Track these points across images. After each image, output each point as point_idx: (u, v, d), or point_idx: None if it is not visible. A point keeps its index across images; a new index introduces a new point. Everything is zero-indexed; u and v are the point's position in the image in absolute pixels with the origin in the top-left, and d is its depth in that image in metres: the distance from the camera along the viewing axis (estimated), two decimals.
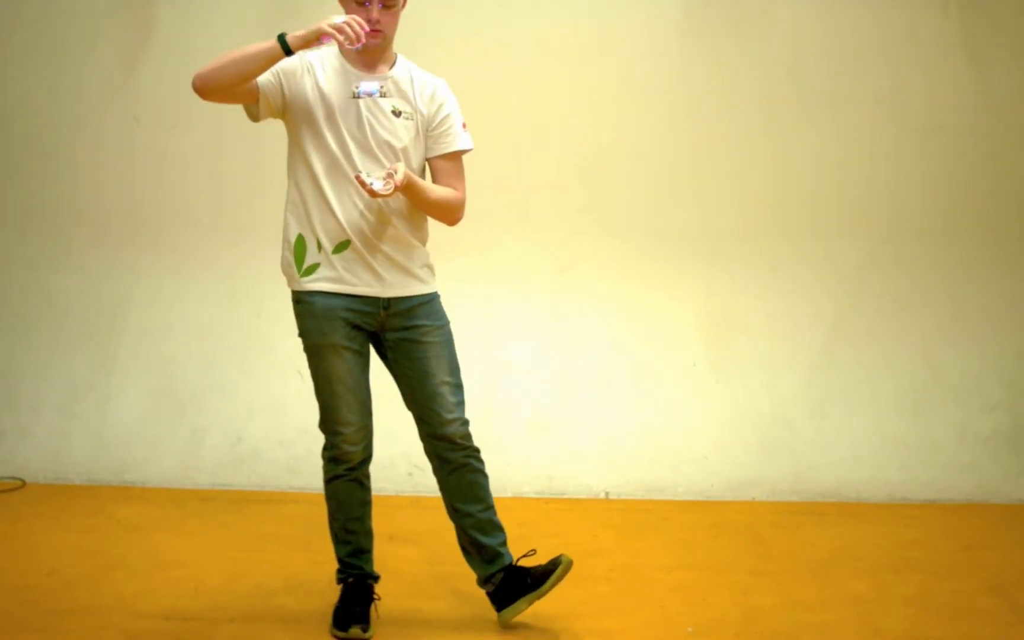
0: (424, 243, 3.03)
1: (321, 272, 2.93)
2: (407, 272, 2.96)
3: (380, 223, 2.90)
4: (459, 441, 3.02)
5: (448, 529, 3.80)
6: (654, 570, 3.57)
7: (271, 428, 4.48)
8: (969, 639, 3.11)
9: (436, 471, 3.08)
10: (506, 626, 3.05)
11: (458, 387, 3.03)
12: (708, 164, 4.66)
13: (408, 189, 2.83)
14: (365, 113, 2.89)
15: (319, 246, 2.93)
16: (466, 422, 3.03)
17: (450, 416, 2.99)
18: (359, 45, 2.72)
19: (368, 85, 2.88)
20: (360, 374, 3.00)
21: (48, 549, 3.59)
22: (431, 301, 3.01)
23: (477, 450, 3.07)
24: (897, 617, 3.22)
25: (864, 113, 4.64)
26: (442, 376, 2.99)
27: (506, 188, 4.60)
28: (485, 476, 3.08)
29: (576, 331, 4.63)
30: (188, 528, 3.86)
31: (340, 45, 2.77)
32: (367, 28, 2.73)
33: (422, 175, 2.99)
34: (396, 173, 2.75)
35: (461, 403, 3.03)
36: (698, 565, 3.62)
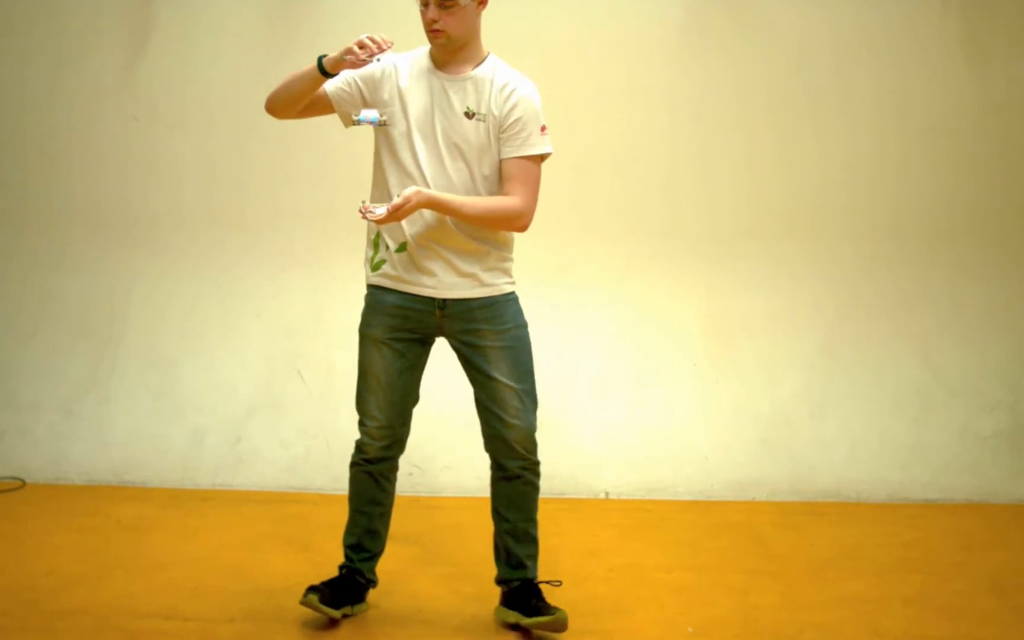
0: (499, 246, 2.98)
1: (384, 269, 3.00)
2: (466, 275, 2.94)
3: (439, 226, 2.91)
4: (518, 449, 3.01)
5: (448, 529, 3.82)
6: (654, 570, 3.57)
7: (271, 428, 4.48)
8: (969, 639, 3.11)
9: (492, 472, 3.09)
10: (497, 622, 3.08)
11: (524, 393, 2.99)
12: (708, 164, 4.66)
13: (432, 206, 2.82)
14: (437, 115, 2.89)
15: (387, 245, 2.99)
16: (529, 431, 3.01)
17: (511, 421, 2.99)
18: (375, 58, 2.74)
19: (368, 113, 2.86)
20: (397, 375, 3.02)
21: (48, 549, 3.59)
22: (493, 304, 2.97)
23: (536, 463, 3.06)
24: (897, 617, 3.22)
25: (867, 113, 4.64)
26: (503, 379, 2.97)
27: None
28: (536, 490, 3.09)
29: (576, 331, 4.63)
30: (188, 528, 3.86)
31: (349, 54, 2.77)
32: (386, 41, 2.75)
33: (498, 177, 2.94)
34: (400, 197, 2.77)
35: (526, 410, 3.00)
36: (698, 565, 3.62)
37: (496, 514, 3.10)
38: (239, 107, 4.61)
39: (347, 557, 3.16)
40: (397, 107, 2.93)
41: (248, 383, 4.55)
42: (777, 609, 3.27)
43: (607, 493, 4.40)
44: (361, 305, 4.52)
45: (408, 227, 2.92)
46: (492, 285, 2.97)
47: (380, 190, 2.99)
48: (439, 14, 2.83)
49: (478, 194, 2.92)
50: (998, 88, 4.64)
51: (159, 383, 4.54)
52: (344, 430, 4.44)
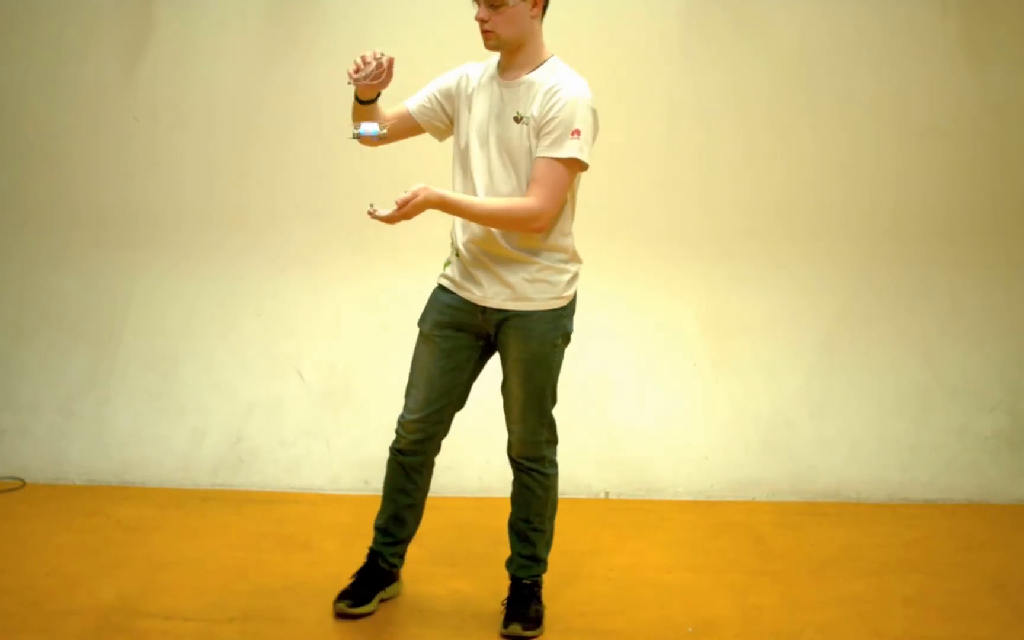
0: (548, 254, 2.96)
1: (448, 270, 3.09)
2: (506, 284, 2.95)
3: (484, 234, 2.94)
4: (513, 453, 3.11)
5: (447, 528, 3.81)
6: (654, 570, 3.57)
7: (271, 428, 4.48)
8: (969, 639, 3.11)
9: None
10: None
11: (526, 408, 3.04)
12: (708, 164, 4.65)
13: (439, 205, 2.82)
14: (492, 121, 2.92)
15: (453, 248, 3.07)
16: (525, 441, 3.08)
17: (512, 426, 3.09)
18: (361, 77, 2.78)
19: (367, 127, 2.84)
20: (440, 373, 3.06)
21: (48, 549, 3.59)
22: (527, 317, 2.96)
23: (538, 472, 3.12)
24: (897, 617, 3.22)
25: (866, 112, 4.64)
26: (512, 388, 3.04)
27: None
28: (535, 496, 3.13)
29: (576, 331, 4.61)
30: (188, 528, 3.86)
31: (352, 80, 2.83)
32: (379, 55, 2.79)
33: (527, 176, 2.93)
34: (414, 196, 2.77)
35: (526, 422, 3.05)
36: (698, 565, 3.62)
37: (511, 502, 3.19)
38: (239, 107, 4.61)
39: (374, 539, 3.24)
40: (464, 116, 2.98)
41: (248, 383, 4.55)
42: (777, 609, 3.27)
43: (607, 493, 4.40)
44: (361, 305, 4.57)
45: (460, 234, 2.99)
46: (530, 300, 2.96)
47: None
48: (488, 14, 2.82)
49: None
50: (998, 88, 4.64)
51: (159, 383, 4.54)
52: (344, 430, 4.46)
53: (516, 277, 2.95)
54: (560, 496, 4.30)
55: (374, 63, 2.80)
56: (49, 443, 4.43)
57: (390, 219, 2.79)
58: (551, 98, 2.85)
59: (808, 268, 4.67)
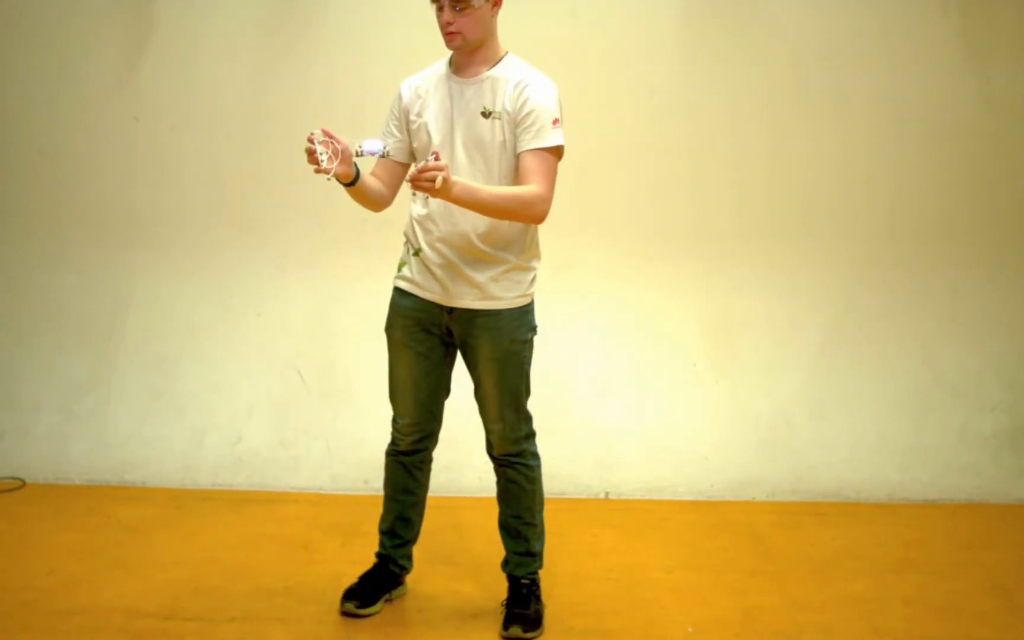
0: (518, 254, 2.98)
1: (404, 271, 3.08)
2: (473, 284, 2.96)
3: (452, 234, 2.93)
4: (494, 451, 3.11)
5: (447, 529, 3.82)
6: (654, 570, 3.57)
7: (271, 428, 4.48)
8: (969, 639, 3.11)
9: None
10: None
11: (503, 404, 3.04)
12: (708, 164, 4.66)
13: (458, 192, 2.74)
14: (456, 118, 2.93)
15: (408, 248, 3.07)
16: (506, 437, 3.07)
17: (489, 425, 3.09)
18: (326, 165, 2.75)
19: (370, 145, 2.87)
20: (422, 375, 3.08)
21: (48, 549, 3.59)
22: (496, 314, 2.98)
23: (522, 465, 3.11)
24: (897, 617, 3.22)
25: (863, 113, 4.64)
26: (487, 388, 3.03)
27: None
28: (523, 490, 3.12)
29: (576, 331, 4.63)
30: (188, 528, 3.86)
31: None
32: (312, 136, 2.73)
33: (514, 177, 2.94)
34: (436, 181, 2.63)
35: (505, 418, 3.05)
36: (698, 565, 3.62)
37: (498, 503, 3.19)
38: (241, 108, 4.62)
39: (381, 543, 3.25)
40: (422, 121, 2.98)
41: (248, 383, 4.55)
42: (777, 609, 3.27)
43: (607, 493, 4.41)
44: (360, 305, 4.57)
45: (422, 234, 2.98)
46: (497, 298, 2.98)
47: (412, 197, 3.05)
48: (453, 17, 2.85)
49: None
50: (997, 88, 4.64)
51: (159, 383, 4.54)
52: (344, 430, 4.46)
53: (483, 276, 2.96)
54: (560, 496, 4.32)
55: (319, 144, 2.74)
56: (49, 443, 4.43)
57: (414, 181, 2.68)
58: (523, 93, 2.91)
59: (808, 268, 4.67)
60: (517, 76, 2.93)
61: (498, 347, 3.00)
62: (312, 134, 2.75)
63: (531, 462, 3.13)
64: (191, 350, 4.57)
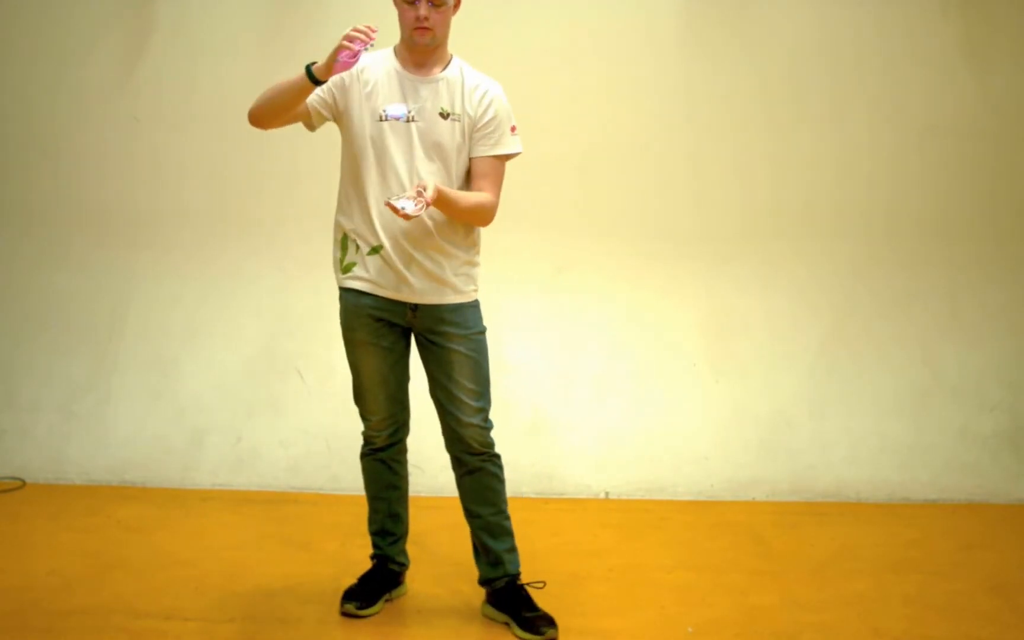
0: (467, 249, 3.02)
1: (356, 271, 3.03)
2: (438, 279, 2.97)
3: (414, 230, 2.92)
4: (475, 446, 3.07)
5: (446, 528, 3.82)
6: (654, 570, 3.57)
7: (271, 428, 4.48)
8: (969, 639, 3.11)
9: (454, 470, 3.14)
10: (485, 617, 3.15)
11: (480, 394, 3.04)
12: (708, 164, 4.66)
13: (439, 203, 2.82)
14: (413, 115, 2.92)
15: (356, 247, 3.02)
16: (485, 428, 3.06)
17: (468, 420, 3.04)
18: (368, 45, 2.71)
19: (395, 109, 2.90)
20: (388, 369, 3.07)
21: (48, 549, 3.59)
22: (461, 308, 3.01)
23: (495, 456, 3.11)
24: (897, 617, 3.22)
25: (863, 113, 4.64)
26: (464, 382, 3.02)
27: (505, 188, 4.57)
28: (500, 481, 3.12)
29: (576, 331, 4.63)
30: (188, 528, 3.86)
31: (343, 53, 2.72)
32: (372, 29, 2.73)
33: (467, 175, 2.99)
34: (426, 190, 2.74)
35: (481, 410, 3.05)
36: (698, 565, 3.62)
37: (468, 512, 3.14)
38: (241, 107, 4.55)
39: (375, 545, 3.25)
40: (367, 114, 2.94)
41: (248, 383, 4.55)
42: (777, 609, 3.27)
43: (607, 493, 4.40)
44: None
45: (382, 230, 2.94)
46: (461, 292, 3.01)
47: (354, 193, 3.00)
48: (429, 12, 2.86)
49: None
50: (996, 89, 4.64)
51: (159, 383, 4.54)
52: (344, 430, 4.44)
53: (445, 271, 2.97)
54: (560, 496, 4.33)
55: (363, 36, 2.72)
56: (49, 443, 4.43)
57: (409, 217, 2.73)
58: (484, 98, 2.96)
59: (808, 269, 4.67)
60: (473, 80, 2.97)
61: (469, 340, 3.02)
62: (367, 36, 2.69)
63: (498, 453, 3.13)
64: (191, 350, 4.57)
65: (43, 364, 4.56)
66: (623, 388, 4.60)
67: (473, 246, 3.06)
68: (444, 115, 2.93)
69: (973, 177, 4.67)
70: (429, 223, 2.92)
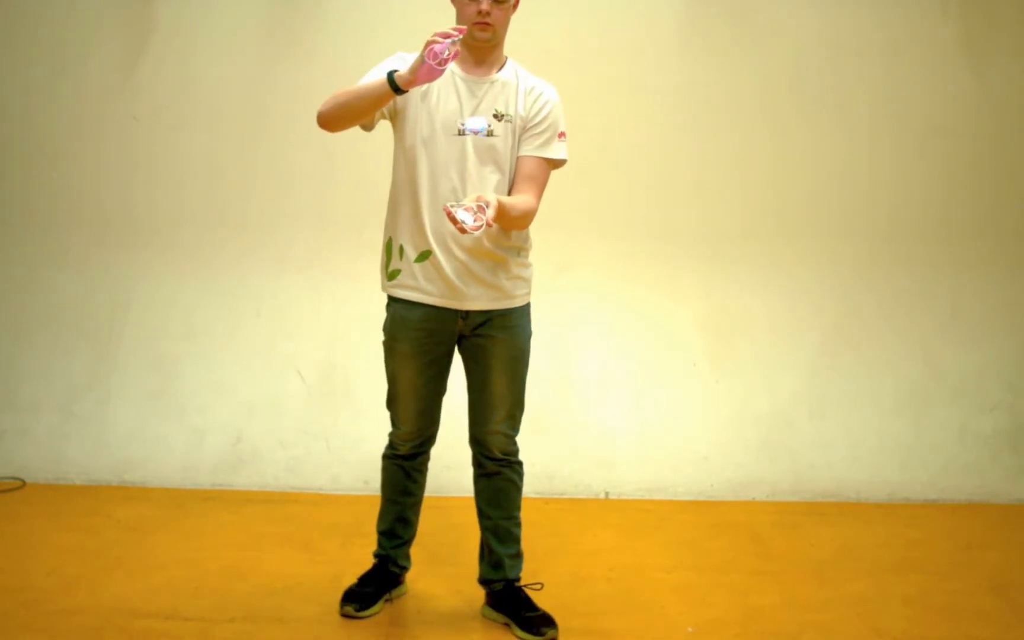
0: (518, 252, 2.97)
1: (402, 279, 2.95)
2: (490, 285, 2.92)
3: (466, 236, 2.81)
4: (496, 453, 3.06)
5: (447, 529, 3.82)
6: (654, 570, 3.57)
7: (271, 428, 4.48)
8: (969, 639, 3.11)
9: (473, 467, 3.14)
10: (484, 618, 3.15)
11: (513, 402, 3.03)
12: (709, 164, 4.66)
13: (499, 218, 2.72)
14: (468, 117, 2.86)
15: (401, 252, 2.94)
16: (509, 436, 3.05)
17: (495, 427, 3.03)
18: (459, 37, 2.64)
19: (475, 122, 2.85)
20: (424, 383, 3.02)
21: (48, 549, 3.59)
22: (511, 313, 2.97)
23: (517, 463, 3.10)
24: (897, 617, 3.22)
25: (864, 113, 4.64)
26: (499, 388, 3.00)
27: None
28: (517, 489, 3.12)
29: (576, 331, 4.63)
30: (188, 528, 3.86)
31: (430, 54, 2.63)
32: (461, 28, 2.69)
33: (513, 175, 2.92)
34: (488, 207, 2.63)
35: (511, 417, 3.03)
36: (698, 565, 3.62)
37: (480, 512, 3.14)
38: (240, 108, 4.62)
39: (380, 544, 3.23)
40: (421, 109, 2.87)
41: (248, 383, 4.55)
42: (777, 609, 3.27)
43: (607, 493, 4.40)
44: (360, 305, 4.56)
45: (432, 234, 2.88)
46: (512, 297, 2.97)
47: (405, 194, 2.91)
48: (491, 7, 2.82)
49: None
50: (997, 89, 4.64)
51: (159, 383, 4.54)
52: (344, 430, 4.46)
53: (499, 277, 2.94)
54: (560, 496, 4.33)
55: (450, 37, 2.64)
56: (49, 443, 4.43)
57: (467, 231, 2.61)
58: (538, 100, 2.91)
59: (808, 269, 4.67)
60: (528, 82, 2.93)
61: (514, 346, 2.99)
62: (453, 44, 2.62)
63: (520, 460, 3.13)
64: (191, 350, 4.57)
65: (43, 364, 4.56)
66: (623, 388, 4.59)
67: (524, 248, 3.00)
68: (498, 117, 2.88)
69: (974, 177, 4.67)
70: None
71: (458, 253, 2.88)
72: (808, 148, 4.65)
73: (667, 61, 4.63)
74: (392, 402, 3.10)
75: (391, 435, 3.15)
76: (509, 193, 2.90)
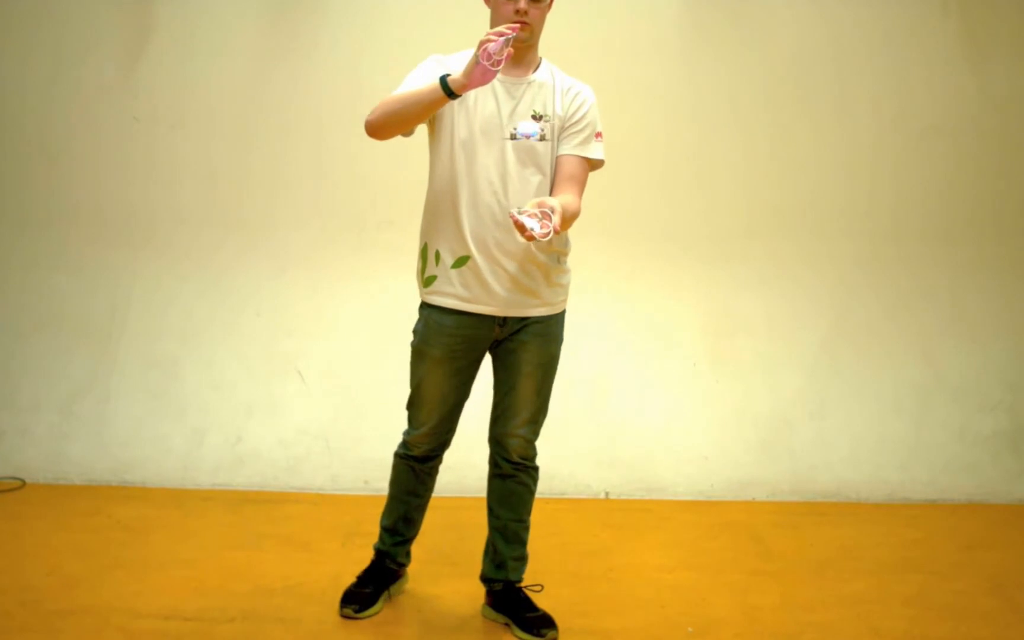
0: (558, 257, 2.94)
1: (439, 286, 2.91)
2: (528, 291, 2.89)
3: (507, 240, 2.82)
4: (514, 456, 3.05)
5: (447, 528, 3.82)
6: (654, 570, 3.57)
7: (271, 428, 4.48)
8: (969, 639, 3.11)
9: (489, 465, 3.13)
10: (485, 618, 3.16)
11: (538, 408, 3.02)
12: (709, 164, 4.66)
13: (562, 224, 2.63)
14: (505, 119, 2.83)
15: (438, 258, 2.89)
16: (529, 441, 3.04)
17: (516, 430, 3.02)
18: (512, 35, 2.60)
19: (526, 127, 2.82)
20: (450, 390, 3.00)
21: (48, 549, 3.59)
22: (546, 320, 2.95)
23: (533, 468, 3.10)
24: (897, 617, 3.22)
25: (865, 113, 4.64)
26: (527, 392, 2.98)
27: None
28: (531, 493, 3.11)
29: (576, 331, 4.60)
30: (188, 528, 3.85)
31: (483, 55, 2.57)
32: (514, 27, 2.65)
33: (552, 176, 2.89)
34: (554, 213, 2.54)
35: (532, 422, 3.03)
36: (698, 565, 3.62)
37: (489, 511, 3.14)
38: (239, 107, 4.62)
39: (381, 538, 3.23)
40: (459, 112, 2.83)
41: (248, 383, 4.55)
42: (777, 609, 3.27)
43: (607, 493, 4.40)
44: (360, 305, 4.57)
45: (472, 239, 2.83)
46: (550, 304, 2.95)
47: (443, 198, 2.86)
48: (529, 6, 2.80)
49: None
50: (998, 87, 4.64)
51: (159, 383, 4.54)
52: (344, 430, 4.45)
53: (539, 283, 2.90)
54: (560, 496, 4.33)
55: (504, 36, 2.60)
56: (49, 443, 4.43)
57: (535, 239, 2.52)
58: (576, 99, 2.89)
59: (808, 268, 4.67)
60: (565, 82, 2.91)
61: (546, 352, 2.97)
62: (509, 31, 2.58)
63: (537, 466, 3.13)
64: (191, 350, 4.57)
65: (43, 364, 4.56)
66: (623, 388, 4.59)
67: (564, 252, 2.97)
68: (536, 118, 2.85)
69: (975, 176, 4.67)
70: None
71: (501, 259, 2.84)
72: (809, 147, 4.65)
73: (668, 60, 4.62)
74: (413, 404, 3.06)
75: (406, 435, 3.12)
76: (551, 194, 2.85)
